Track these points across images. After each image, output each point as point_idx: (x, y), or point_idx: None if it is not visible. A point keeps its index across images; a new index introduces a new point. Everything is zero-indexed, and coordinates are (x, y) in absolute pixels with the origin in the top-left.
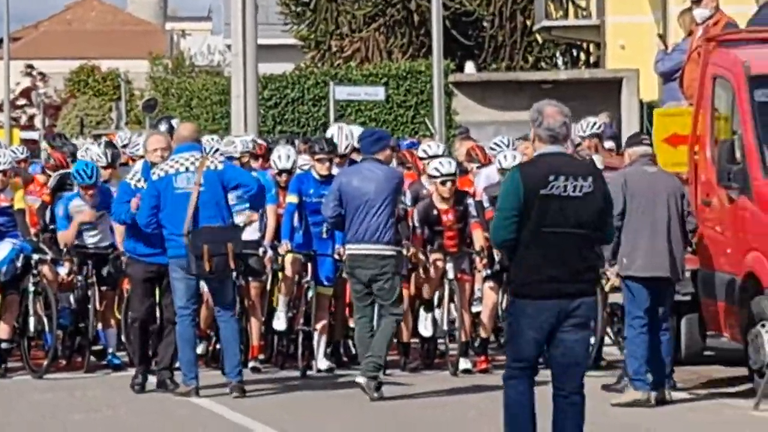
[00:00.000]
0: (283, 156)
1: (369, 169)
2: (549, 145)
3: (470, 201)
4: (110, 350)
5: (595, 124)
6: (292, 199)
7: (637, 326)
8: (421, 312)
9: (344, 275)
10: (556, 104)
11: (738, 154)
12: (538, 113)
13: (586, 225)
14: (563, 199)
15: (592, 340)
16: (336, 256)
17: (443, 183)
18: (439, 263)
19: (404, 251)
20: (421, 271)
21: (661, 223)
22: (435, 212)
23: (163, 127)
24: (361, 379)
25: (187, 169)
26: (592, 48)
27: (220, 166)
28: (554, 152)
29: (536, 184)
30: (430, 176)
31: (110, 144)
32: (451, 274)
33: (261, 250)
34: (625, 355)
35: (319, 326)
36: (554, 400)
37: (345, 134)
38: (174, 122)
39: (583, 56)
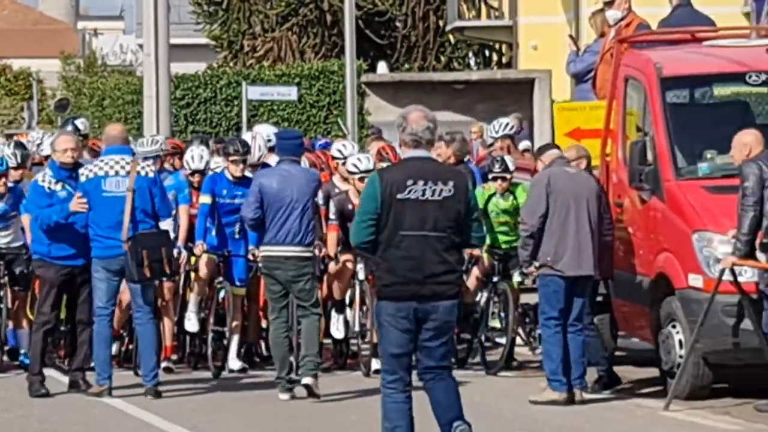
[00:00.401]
0: (196, 156)
1: (289, 171)
2: (413, 149)
3: None
4: (22, 351)
5: (507, 125)
6: (205, 199)
7: (551, 326)
8: (333, 313)
9: (261, 276)
10: (422, 109)
11: (649, 156)
12: (403, 119)
13: (445, 228)
14: (421, 202)
15: (503, 340)
16: (250, 257)
17: (362, 179)
18: (350, 264)
19: (316, 251)
20: (331, 268)
21: (585, 223)
22: (350, 207)
23: (69, 128)
24: (307, 380)
25: (117, 172)
26: (504, 48)
27: (151, 174)
28: (417, 156)
29: (394, 188)
30: (350, 172)
31: (20, 144)
32: (361, 275)
33: (175, 251)
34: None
35: (232, 327)
36: (428, 382)
37: (259, 144)
38: (79, 123)
39: (495, 57)
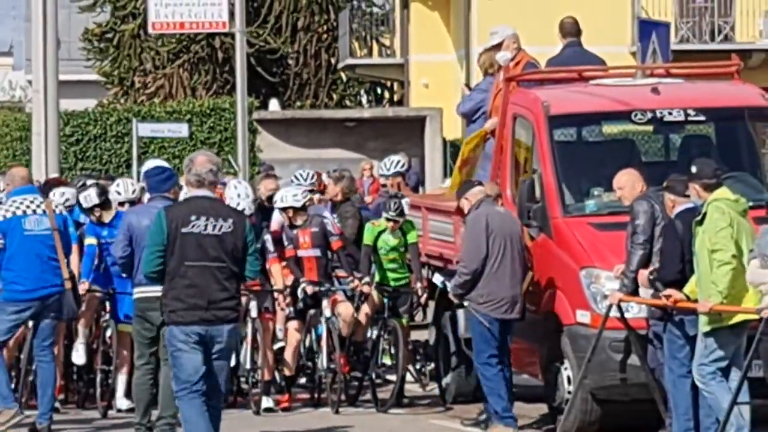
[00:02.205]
0: (92, 195)
1: (158, 208)
2: (196, 189)
3: (267, 237)
4: None
5: (398, 162)
6: (91, 241)
7: (494, 364)
8: None
9: (134, 319)
10: (207, 154)
11: (538, 193)
12: (190, 161)
13: (225, 260)
14: (203, 236)
15: (394, 377)
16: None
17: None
18: (242, 300)
19: None
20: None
21: (517, 264)
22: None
23: None
24: None
25: (34, 211)
26: (396, 86)
27: (65, 211)
28: (200, 195)
29: (179, 223)
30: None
31: None
32: (254, 313)
33: None
34: (486, 394)
35: (117, 364)
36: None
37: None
38: None
39: (387, 94)
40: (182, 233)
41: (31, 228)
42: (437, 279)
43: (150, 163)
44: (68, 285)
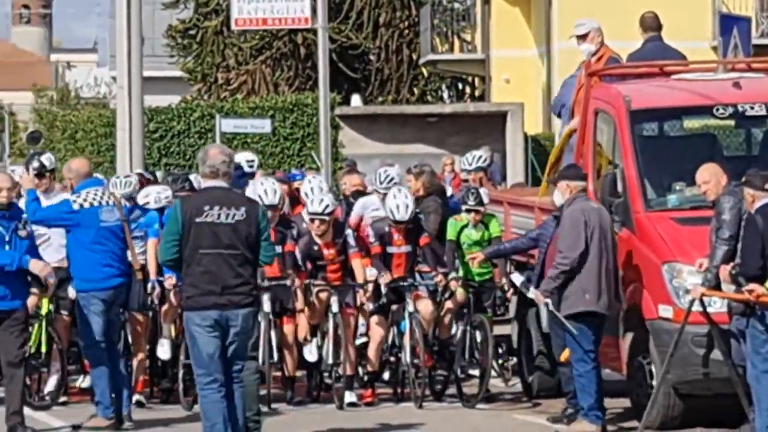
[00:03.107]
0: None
1: None
2: (211, 180)
3: (349, 232)
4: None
5: (480, 157)
6: None
7: (589, 360)
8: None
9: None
10: (220, 146)
11: (619, 187)
12: (204, 153)
13: (238, 247)
14: (216, 225)
15: (476, 371)
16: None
17: (312, 221)
18: (322, 294)
19: (288, 283)
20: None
21: (611, 260)
22: (316, 247)
23: (34, 164)
24: None
25: (107, 202)
26: (477, 82)
27: (127, 204)
28: (214, 186)
29: (193, 213)
30: (309, 213)
31: None
32: (335, 308)
33: (149, 285)
34: (577, 389)
35: None
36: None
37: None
38: (44, 159)
39: (468, 90)
40: (196, 222)
41: (106, 219)
42: (516, 278)
43: (240, 156)
44: (139, 276)
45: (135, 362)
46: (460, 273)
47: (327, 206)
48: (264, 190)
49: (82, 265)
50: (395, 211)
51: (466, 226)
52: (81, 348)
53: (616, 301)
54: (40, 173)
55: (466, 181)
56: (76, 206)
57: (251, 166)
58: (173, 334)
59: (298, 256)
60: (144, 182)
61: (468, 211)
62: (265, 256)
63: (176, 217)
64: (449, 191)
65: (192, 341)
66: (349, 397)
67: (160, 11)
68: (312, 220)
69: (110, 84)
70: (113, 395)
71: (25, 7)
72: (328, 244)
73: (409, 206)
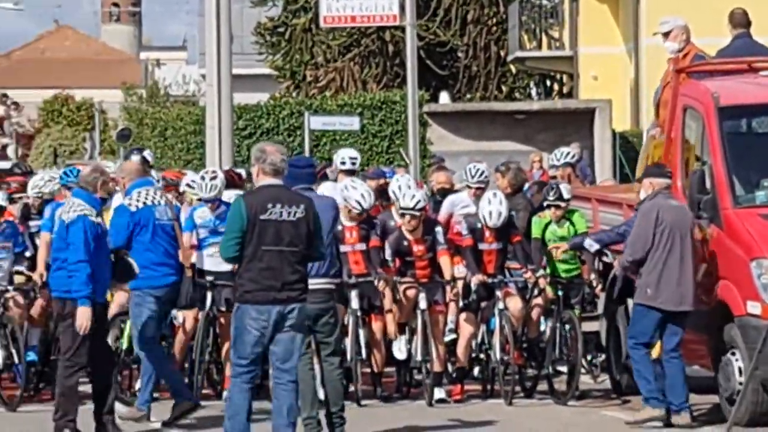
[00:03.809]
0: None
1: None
2: (271, 177)
3: (438, 229)
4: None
5: (568, 153)
6: None
7: (641, 349)
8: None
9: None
10: (276, 144)
11: (708, 184)
12: (262, 152)
13: (298, 244)
14: (279, 222)
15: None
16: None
17: (402, 215)
18: (410, 292)
19: (375, 281)
20: (387, 302)
21: (687, 256)
22: (405, 243)
23: (135, 158)
24: None
25: (159, 202)
26: (565, 78)
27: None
28: (274, 184)
29: (257, 210)
30: (400, 208)
31: None
32: (423, 305)
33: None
34: (635, 377)
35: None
36: (275, 389)
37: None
38: (146, 154)
39: (556, 87)
40: (261, 220)
41: (160, 217)
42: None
43: (342, 153)
44: (189, 273)
45: (223, 357)
46: (548, 270)
47: (418, 201)
48: (361, 194)
49: (140, 263)
50: (488, 217)
51: (549, 223)
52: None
53: (689, 300)
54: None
55: (554, 177)
56: (132, 208)
57: (354, 163)
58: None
59: (388, 251)
60: (235, 178)
61: (548, 206)
62: (319, 253)
63: (240, 214)
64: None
65: (239, 332)
66: (438, 393)
67: (249, 9)
68: (403, 215)
69: (199, 82)
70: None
71: (115, 5)
72: (418, 240)
73: (503, 213)
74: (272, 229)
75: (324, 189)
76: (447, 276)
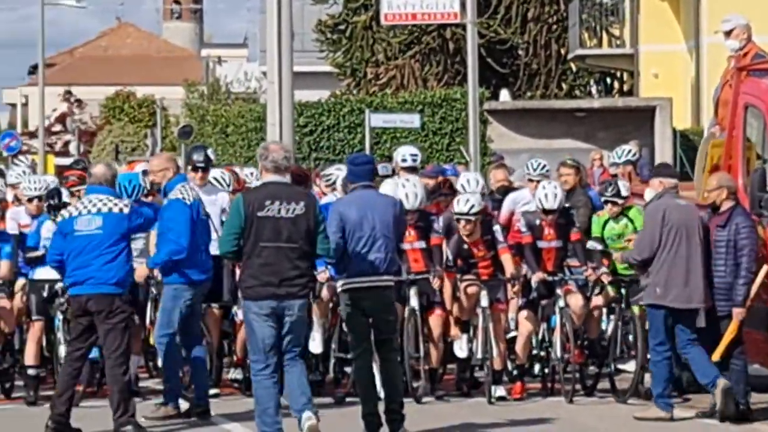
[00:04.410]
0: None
1: (365, 198)
2: (273, 174)
3: (496, 227)
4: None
5: (629, 151)
6: None
7: (661, 351)
8: (457, 333)
9: (344, 308)
10: (279, 142)
11: None
12: (264, 149)
13: (297, 240)
14: (277, 219)
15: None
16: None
17: (458, 221)
18: (470, 289)
19: (431, 277)
20: (446, 301)
21: (695, 254)
22: (465, 246)
23: (198, 156)
24: None
25: (198, 198)
26: (625, 76)
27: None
28: (274, 181)
29: (255, 207)
30: (455, 213)
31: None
32: (485, 302)
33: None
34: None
35: None
36: (285, 369)
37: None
38: (210, 152)
39: (616, 84)
40: (258, 217)
41: (201, 213)
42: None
43: (402, 150)
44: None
45: None
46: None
47: (472, 206)
48: (406, 194)
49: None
50: (544, 200)
51: (608, 220)
52: (229, 342)
53: (698, 298)
54: (205, 167)
55: (614, 175)
56: (187, 202)
57: (414, 160)
58: (326, 327)
59: (449, 253)
60: (301, 176)
61: (606, 202)
62: (321, 249)
63: (238, 211)
64: (597, 188)
65: (249, 329)
66: (498, 391)
67: (310, 6)
68: (458, 220)
69: (260, 79)
70: (192, 385)
71: (176, 2)
72: (477, 242)
73: (558, 195)
74: (270, 226)
75: (386, 187)
76: (508, 273)
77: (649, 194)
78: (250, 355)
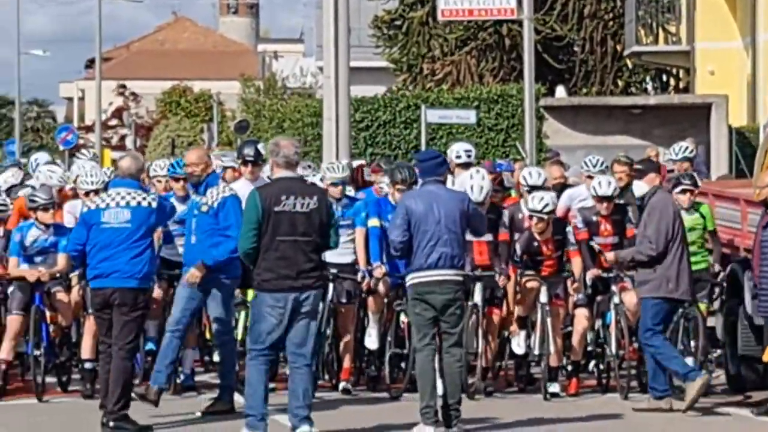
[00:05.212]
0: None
1: (434, 192)
2: (285, 170)
3: (569, 229)
4: (186, 371)
5: (686, 148)
6: (374, 222)
7: (654, 340)
8: (515, 330)
9: (411, 302)
10: (289, 138)
11: None
12: (276, 145)
13: (312, 234)
14: (293, 214)
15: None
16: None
17: (530, 218)
18: (530, 284)
19: (497, 276)
20: (510, 300)
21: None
22: (535, 243)
23: (249, 150)
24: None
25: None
26: (681, 73)
27: None
28: (288, 176)
29: (272, 202)
30: (528, 210)
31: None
32: (544, 298)
33: (359, 275)
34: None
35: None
36: (293, 370)
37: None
38: (261, 146)
39: (672, 81)
40: (275, 211)
41: None
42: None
43: (456, 147)
44: None
45: (342, 351)
46: None
47: (547, 204)
48: (471, 186)
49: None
50: (598, 187)
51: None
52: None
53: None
54: (255, 161)
55: (671, 171)
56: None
57: (468, 156)
58: (382, 322)
59: (517, 249)
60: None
61: (683, 191)
62: (333, 241)
63: (255, 206)
64: None
65: (256, 318)
66: (553, 387)
67: (367, 2)
68: (531, 217)
69: (316, 74)
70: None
71: None
72: (547, 241)
73: (612, 183)
74: (286, 220)
75: (456, 182)
76: (577, 276)
77: (641, 188)
78: (249, 341)
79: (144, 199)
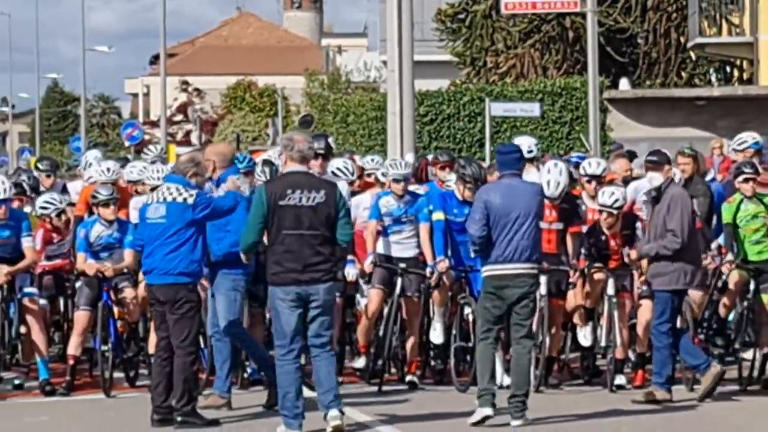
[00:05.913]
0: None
1: (511, 186)
2: (297, 164)
3: (639, 225)
4: (253, 365)
5: (752, 139)
6: (439, 216)
7: (670, 333)
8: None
9: (483, 295)
10: (303, 133)
11: None
12: (290, 140)
13: (319, 227)
14: (298, 208)
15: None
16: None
17: (600, 212)
18: (598, 276)
19: (571, 272)
20: (578, 295)
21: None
22: (603, 238)
23: (320, 144)
24: (517, 422)
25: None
26: (745, 65)
27: None
28: (297, 171)
29: (277, 196)
30: (599, 204)
31: (269, 162)
32: (611, 290)
33: (428, 270)
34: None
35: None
36: (314, 359)
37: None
38: (331, 140)
39: (736, 73)
40: (280, 206)
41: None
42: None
43: (522, 140)
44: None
45: (408, 344)
46: (739, 255)
47: (617, 200)
48: (548, 181)
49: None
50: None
51: (741, 202)
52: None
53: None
54: (324, 154)
55: (735, 161)
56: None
57: (530, 151)
58: (446, 316)
59: (585, 244)
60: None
61: (746, 180)
62: (343, 235)
63: (261, 201)
64: (718, 176)
65: (275, 314)
66: (619, 379)
67: None
68: (600, 212)
69: (380, 68)
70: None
71: None
72: (615, 235)
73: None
74: (291, 214)
75: (531, 176)
76: (644, 268)
77: (656, 180)
78: (275, 339)
79: (180, 194)
